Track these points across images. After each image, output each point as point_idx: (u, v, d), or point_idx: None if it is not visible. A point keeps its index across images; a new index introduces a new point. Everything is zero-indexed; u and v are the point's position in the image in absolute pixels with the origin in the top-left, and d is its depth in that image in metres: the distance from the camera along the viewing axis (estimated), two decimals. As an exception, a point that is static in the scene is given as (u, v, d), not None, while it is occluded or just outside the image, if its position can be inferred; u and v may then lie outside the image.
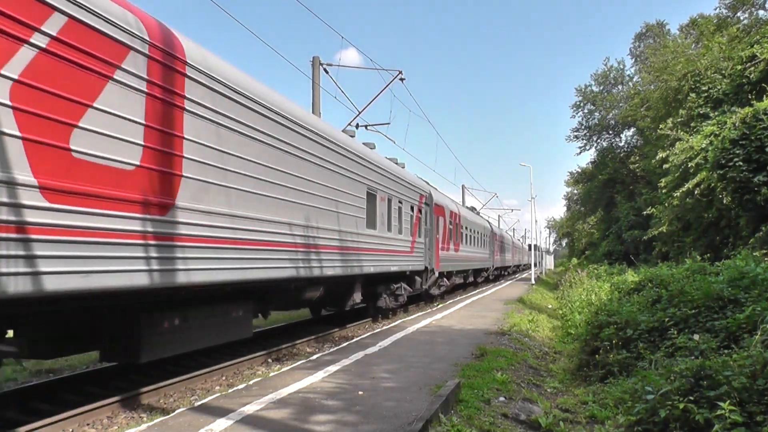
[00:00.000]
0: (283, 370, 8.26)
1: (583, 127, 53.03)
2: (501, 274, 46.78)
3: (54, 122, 5.17)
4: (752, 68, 20.77)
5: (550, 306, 22.50)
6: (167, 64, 6.65)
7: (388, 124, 20.91)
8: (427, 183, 21.59)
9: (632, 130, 47.79)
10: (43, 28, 5.07)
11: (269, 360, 10.61)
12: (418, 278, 18.26)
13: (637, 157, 43.73)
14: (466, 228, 27.49)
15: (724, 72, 23.72)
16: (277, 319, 15.51)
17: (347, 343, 11.05)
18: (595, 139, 52.71)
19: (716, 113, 21.95)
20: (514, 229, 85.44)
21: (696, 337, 7.08)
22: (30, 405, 7.09)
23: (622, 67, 50.63)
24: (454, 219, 24.23)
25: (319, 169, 10.88)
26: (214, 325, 8.27)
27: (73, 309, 6.38)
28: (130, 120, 6.04)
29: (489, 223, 40.12)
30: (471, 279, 30.75)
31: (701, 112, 23.49)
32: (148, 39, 6.34)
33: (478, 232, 31.26)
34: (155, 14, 7.05)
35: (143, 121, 6.23)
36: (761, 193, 16.09)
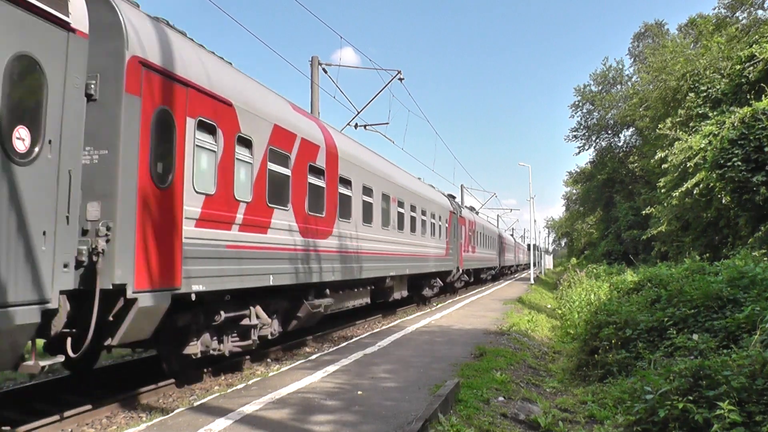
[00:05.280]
0: (282, 369, 8.27)
1: (581, 127, 52.84)
2: (502, 272, 47.54)
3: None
4: (751, 68, 20.71)
5: (549, 306, 22.50)
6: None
7: (387, 123, 21.05)
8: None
9: (631, 129, 47.65)
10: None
11: (268, 360, 10.62)
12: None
13: (636, 157, 43.67)
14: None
15: (723, 72, 23.67)
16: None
17: (346, 343, 11.05)
18: (593, 138, 52.51)
19: (715, 113, 21.88)
20: (513, 228, 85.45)
21: (695, 337, 7.09)
22: (29, 405, 7.07)
23: (621, 67, 50.35)
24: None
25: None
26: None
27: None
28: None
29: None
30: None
31: (700, 111, 23.43)
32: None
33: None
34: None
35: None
36: (760, 192, 16.09)
